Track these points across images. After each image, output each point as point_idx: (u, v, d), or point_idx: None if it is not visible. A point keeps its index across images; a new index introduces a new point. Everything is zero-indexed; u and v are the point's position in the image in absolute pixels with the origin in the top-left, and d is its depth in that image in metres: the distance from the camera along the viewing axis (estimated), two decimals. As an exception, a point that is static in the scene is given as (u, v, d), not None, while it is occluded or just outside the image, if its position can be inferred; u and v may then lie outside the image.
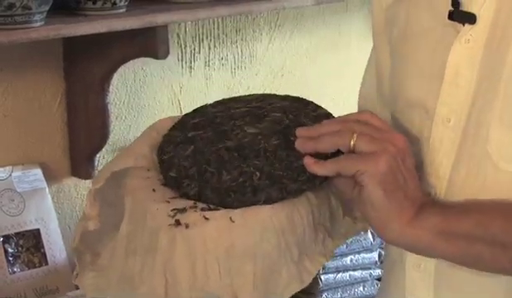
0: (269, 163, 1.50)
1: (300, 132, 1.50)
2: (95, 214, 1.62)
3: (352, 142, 1.43)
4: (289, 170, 1.49)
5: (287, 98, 1.67)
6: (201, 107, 1.68)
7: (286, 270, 1.48)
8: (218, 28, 2.76)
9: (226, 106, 1.66)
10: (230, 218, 1.46)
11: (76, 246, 1.65)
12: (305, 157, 1.46)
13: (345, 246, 2.44)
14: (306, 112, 1.60)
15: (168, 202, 1.51)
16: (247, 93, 1.75)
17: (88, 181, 2.45)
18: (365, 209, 1.46)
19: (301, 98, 1.65)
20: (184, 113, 1.68)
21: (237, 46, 2.80)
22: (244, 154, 1.52)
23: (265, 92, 2.48)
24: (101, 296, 1.60)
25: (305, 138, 1.49)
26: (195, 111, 1.67)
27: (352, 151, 1.44)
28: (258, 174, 1.49)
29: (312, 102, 1.64)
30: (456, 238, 1.44)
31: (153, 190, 1.54)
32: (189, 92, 2.69)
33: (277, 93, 1.71)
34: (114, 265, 1.57)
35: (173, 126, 1.65)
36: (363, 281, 2.48)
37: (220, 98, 1.69)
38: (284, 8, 2.68)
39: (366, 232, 1.92)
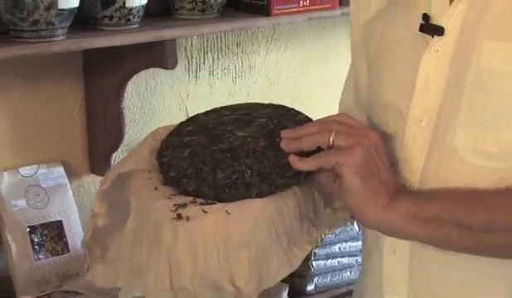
0: (258, 162, 1.52)
1: (284, 133, 1.52)
2: (103, 212, 1.64)
3: (331, 139, 1.46)
4: (276, 167, 1.50)
5: (269, 105, 1.68)
6: (194, 116, 1.69)
7: (276, 256, 1.49)
8: (221, 42, 2.77)
9: (217, 114, 1.67)
10: (226, 210, 1.47)
11: (87, 241, 1.67)
12: (290, 156, 1.49)
13: (333, 235, 2.45)
14: (287, 117, 1.62)
15: (170, 198, 1.52)
16: (247, 100, 1.76)
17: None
18: (345, 198, 1.47)
19: (283, 106, 1.66)
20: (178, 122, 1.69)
21: (237, 58, 2.80)
22: (236, 154, 1.53)
23: (262, 98, 2.48)
24: (111, 285, 1.61)
25: (289, 139, 1.51)
26: (188, 120, 1.68)
27: (331, 148, 1.46)
28: (249, 172, 1.51)
29: (293, 108, 1.65)
30: (425, 222, 1.44)
31: (155, 189, 1.55)
32: (195, 98, 2.70)
33: (263, 102, 1.71)
34: (122, 256, 1.58)
35: (170, 133, 1.66)
36: (350, 266, 2.49)
37: (222, 105, 1.70)
38: (279, 24, 2.68)
39: (346, 222, 1.92)
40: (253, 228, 1.47)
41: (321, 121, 1.53)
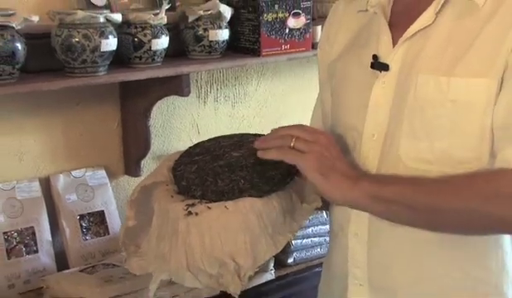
0: (249, 174, 1.51)
1: (257, 144, 1.50)
2: (132, 215, 1.63)
3: (292, 144, 1.44)
4: (263, 178, 1.50)
5: (256, 134, 1.65)
6: (199, 142, 1.68)
7: (265, 241, 1.49)
8: (223, 76, 2.76)
9: (216, 141, 1.65)
10: (225, 206, 1.48)
11: (123, 240, 1.67)
12: (255, 143, 1.49)
13: (307, 221, 2.43)
14: None
15: (182, 201, 1.52)
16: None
17: (136, 179, 2.47)
18: (317, 188, 1.46)
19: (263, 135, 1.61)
20: (189, 146, 1.68)
21: (235, 88, 2.79)
22: (232, 169, 1.53)
23: (255, 118, 2.47)
24: (144, 273, 1.61)
25: (262, 148, 1.49)
26: (195, 145, 1.67)
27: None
28: (242, 181, 1.50)
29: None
30: (381, 201, 1.42)
31: (171, 196, 1.56)
32: (203, 118, 2.69)
33: (250, 132, 1.71)
34: (150, 249, 1.59)
35: (181, 155, 1.65)
36: (320, 244, 2.48)
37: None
38: (267, 62, 2.69)
39: (317, 211, 1.92)
40: (246, 219, 1.47)
41: (285, 128, 1.51)
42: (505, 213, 1.36)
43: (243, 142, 1.59)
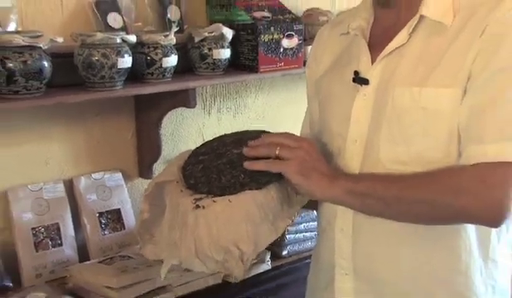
0: (249, 169, 1.50)
1: (246, 151, 1.51)
2: (147, 209, 1.64)
3: (277, 152, 1.46)
4: (260, 171, 1.49)
5: (254, 131, 1.65)
6: (206, 142, 1.68)
7: (266, 227, 1.50)
8: (225, 89, 2.75)
9: (220, 139, 1.64)
10: (229, 200, 1.48)
11: (138, 230, 1.68)
12: (245, 162, 1.49)
13: (300, 218, 2.44)
14: None
15: (191, 196, 1.52)
16: (242, 129, 1.76)
17: (149, 180, 2.39)
18: (299, 189, 1.47)
19: (263, 130, 1.63)
20: (195, 147, 1.68)
21: (236, 100, 2.78)
22: (233, 165, 1.52)
23: (253, 127, 2.47)
24: (157, 258, 1.61)
25: (250, 148, 1.50)
26: (202, 145, 1.67)
27: (277, 157, 1.46)
28: (242, 176, 1.50)
29: (269, 132, 1.63)
30: (356, 195, 1.44)
31: (181, 191, 1.56)
32: (208, 127, 2.68)
33: (250, 129, 1.71)
34: (163, 238, 1.58)
35: (189, 155, 1.64)
36: (310, 238, 2.45)
37: (223, 133, 1.70)
38: (264, 78, 2.68)
39: (312, 210, 1.93)
40: (247, 211, 1.47)
41: (272, 136, 1.54)
42: (466, 204, 1.37)
43: (242, 140, 1.56)
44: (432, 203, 1.40)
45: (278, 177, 1.49)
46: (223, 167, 1.53)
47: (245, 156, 1.51)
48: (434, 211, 1.41)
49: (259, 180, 1.49)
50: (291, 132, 1.56)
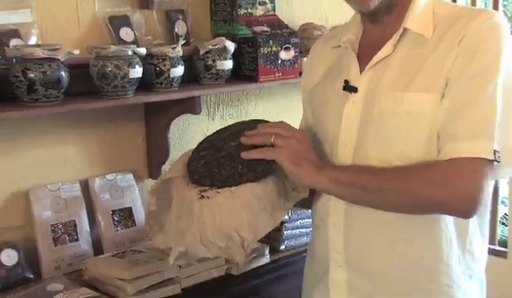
0: (246, 160, 1.51)
1: (244, 140, 1.52)
2: (154, 202, 1.65)
3: (272, 140, 1.48)
4: (256, 160, 1.50)
5: (250, 121, 1.67)
6: (207, 136, 1.68)
7: (264, 217, 1.51)
8: (227, 97, 2.74)
9: (218, 133, 1.65)
10: (231, 191, 1.49)
11: (148, 221, 1.69)
12: (242, 153, 1.50)
13: (296, 215, 2.42)
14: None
15: (196, 188, 1.54)
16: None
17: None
18: (291, 175, 1.48)
19: (258, 120, 1.65)
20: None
21: (238, 108, 2.77)
22: (232, 157, 1.53)
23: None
24: (166, 246, 1.64)
25: (248, 137, 1.52)
26: (203, 140, 1.66)
27: (272, 145, 1.48)
28: (240, 166, 1.51)
29: (264, 120, 1.64)
30: (341, 184, 1.46)
31: (187, 184, 1.56)
32: (212, 132, 2.58)
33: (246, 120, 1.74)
34: (171, 227, 1.59)
35: (193, 151, 1.65)
36: (306, 234, 2.43)
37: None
38: (263, 87, 2.67)
39: (307, 208, 1.93)
40: (247, 201, 1.49)
41: (268, 125, 1.55)
42: (440, 195, 1.39)
43: (238, 132, 1.57)
44: (410, 193, 1.42)
45: (273, 166, 1.50)
46: (222, 160, 1.54)
47: (242, 147, 1.52)
48: (411, 201, 1.43)
49: (256, 169, 1.50)
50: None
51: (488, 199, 1.55)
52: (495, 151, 1.38)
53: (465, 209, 1.42)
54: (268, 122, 1.61)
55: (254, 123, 1.60)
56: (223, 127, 1.70)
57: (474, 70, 1.41)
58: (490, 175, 1.40)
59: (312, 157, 1.48)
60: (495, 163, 1.39)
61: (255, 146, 1.51)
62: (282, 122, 1.55)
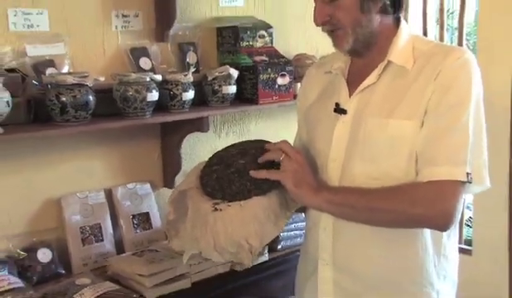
0: (253, 178, 1.50)
1: (260, 160, 1.51)
2: (172, 211, 1.64)
3: (281, 158, 1.48)
4: (262, 179, 1.50)
5: (255, 141, 1.65)
6: (215, 153, 1.66)
7: (270, 226, 1.51)
8: (232, 117, 2.72)
9: (226, 150, 1.63)
10: (240, 204, 1.49)
11: (166, 227, 1.69)
12: (251, 172, 1.49)
13: (292, 220, 2.39)
14: (265, 146, 1.57)
15: (210, 200, 1.51)
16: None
17: (171, 190, 2.35)
18: (292, 195, 1.48)
19: (262, 140, 1.63)
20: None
21: (241, 126, 2.76)
22: (241, 174, 1.52)
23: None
24: (182, 249, 1.63)
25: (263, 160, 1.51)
26: (213, 156, 1.65)
27: (279, 163, 1.47)
28: (248, 184, 1.49)
29: (268, 141, 1.61)
30: (334, 204, 1.45)
31: (201, 196, 1.54)
32: (218, 147, 2.35)
33: (251, 139, 1.70)
34: (187, 234, 1.58)
35: (204, 166, 1.64)
36: (300, 236, 2.42)
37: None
38: (263, 108, 2.66)
39: (301, 213, 1.93)
40: (255, 213, 1.49)
41: (277, 145, 1.52)
42: (421, 213, 1.40)
43: (245, 151, 1.57)
44: (394, 211, 1.42)
45: (277, 184, 1.49)
46: (232, 176, 1.53)
47: (249, 165, 1.51)
48: (395, 218, 1.43)
49: (262, 187, 1.50)
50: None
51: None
52: (467, 174, 1.39)
53: (443, 224, 1.42)
54: (268, 141, 1.60)
55: (258, 143, 1.60)
56: (229, 144, 1.68)
57: (449, 103, 1.41)
58: (463, 193, 1.42)
59: (310, 180, 1.47)
60: (468, 183, 1.40)
61: (262, 164, 1.51)
62: (284, 141, 1.54)
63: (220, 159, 1.61)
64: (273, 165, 1.50)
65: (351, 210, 1.45)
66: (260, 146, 1.57)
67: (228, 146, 1.66)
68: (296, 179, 1.45)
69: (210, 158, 1.65)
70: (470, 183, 1.41)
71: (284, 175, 1.46)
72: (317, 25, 1.51)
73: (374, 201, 1.43)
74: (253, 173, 1.49)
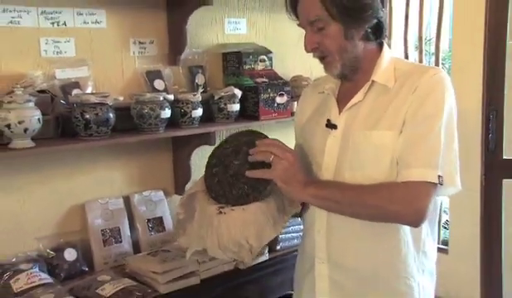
0: (249, 179, 1.48)
1: (250, 159, 1.48)
2: (182, 211, 1.61)
3: (271, 159, 1.45)
4: (257, 180, 1.48)
5: (248, 132, 1.59)
6: (213, 150, 1.60)
7: (268, 228, 1.50)
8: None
9: (222, 148, 1.58)
10: (243, 208, 1.49)
11: (175, 226, 1.68)
12: (246, 172, 1.47)
13: (289, 223, 2.36)
14: (257, 139, 1.52)
15: (215, 204, 1.50)
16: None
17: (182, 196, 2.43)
18: (283, 191, 1.47)
19: (254, 131, 1.58)
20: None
21: None
22: (238, 177, 1.50)
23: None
24: (188, 246, 1.59)
25: (252, 160, 1.48)
26: (212, 153, 1.60)
27: (270, 163, 1.44)
28: (246, 187, 1.48)
29: (260, 132, 1.57)
30: (320, 198, 1.45)
31: (208, 200, 1.52)
32: None
33: (243, 130, 1.62)
34: (194, 233, 1.58)
35: (206, 167, 1.59)
36: (297, 237, 2.40)
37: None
38: (263, 124, 2.60)
39: (298, 217, 1.92)
40: (255, 216, 1.49)
41: (267, 144, 1.48)
42: (397, 209, 1.40)
43: (238, 149, 1.53)
44: (374, 207, 1.42)
45: (272, 187, 1.48)
46: (231, 180, 1.51)
47: (244, 166, 1.49)
48: (375, 212, 1.43)
49: (258, 188, 1.49)
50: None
51: (437, 211, 1.57)
52: (439, 176, 1.39)
53: (415, 220, 1.42)
54: (259, 133, 1.58)
55: (249, 136, 1.56)
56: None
57: (425, 113, 1.41)
58: (434, 194, 1.42)
59: (300, 177, 1.45)
60: (439, 185, 1.40)
61: (256, 162, 1.48)
62: (276, 141, 1.51)
63: (218, 159, 1.58)
64: (265, 164, 1.47)
65: (335, 204, 1.45)
66: (251, 140, 1.53)
67: (222, 142, 1.62)
68: (286, 176, 1.44)
69: (209, 157, 1.62)
70: (442, 185, 1.40)
71: (275, 174, 1.45)
72: (307, 51, 1.51)
73: (357, 197, 1.43)
74: (248, 173, 1.47)
